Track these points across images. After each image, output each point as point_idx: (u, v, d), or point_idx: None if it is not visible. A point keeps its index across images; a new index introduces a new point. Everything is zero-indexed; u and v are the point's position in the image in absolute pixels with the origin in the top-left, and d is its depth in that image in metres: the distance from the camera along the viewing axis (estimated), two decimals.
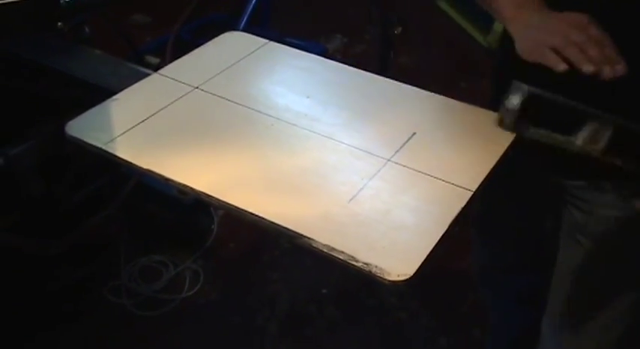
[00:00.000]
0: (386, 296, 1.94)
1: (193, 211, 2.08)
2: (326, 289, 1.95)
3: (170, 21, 2.76)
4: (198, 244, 2.07)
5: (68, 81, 1.33)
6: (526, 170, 1.20)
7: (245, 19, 2.81)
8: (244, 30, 2.77)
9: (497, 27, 2.95)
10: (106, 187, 1.92)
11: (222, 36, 1.27)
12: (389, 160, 0.97)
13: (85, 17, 1.90)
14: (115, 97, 1.09)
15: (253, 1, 2.85)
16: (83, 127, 1.02)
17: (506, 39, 1.18)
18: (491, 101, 1.17)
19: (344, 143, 1.01)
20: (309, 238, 0.84)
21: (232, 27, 2.75)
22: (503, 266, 1.43)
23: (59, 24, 1.00)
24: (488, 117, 1.07)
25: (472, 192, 0.92)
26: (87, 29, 1.89)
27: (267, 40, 1.25)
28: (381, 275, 0.81)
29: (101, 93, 1.14)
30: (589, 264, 1.14)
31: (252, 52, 1.22)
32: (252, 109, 1.06)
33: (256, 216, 0.87)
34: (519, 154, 1.16)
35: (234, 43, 1.25)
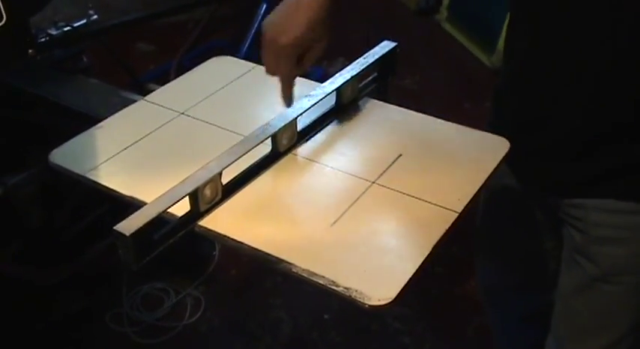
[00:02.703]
0: (389, 321, 1.92)
1: (195, 238, 2.07)
2: (328, 314, 1.93)
3: (173, 49, 2.79)
4: (200, 271, 2.06)
5: (60, 110, 1.33)
6: (522, 189, 1.19)
7: (247, 44, 2.83)
8: (246, 55, 2.79)
9: (502, 46, 2.95)
10: (106, 215, 1.92)
11: (210, 61, 1.27)
12: (373, 183, 0.96)
13: (83, 47, 1.92)
14: (99, 125, 1.09)
15: (255, 27, 2.86)
16: (66, 155, 1.02)
17: (507, 58, 1.17)
18: (490, 123, 1.16)
19: (328, 166, 0.99)
20: (288, 263, 0.83)
21: (234, 53, 2.77)
22: (507, 286, 1.40)
23: (30, 51, 1.00)
24: (478, 137, 1.06)
25: (458, 214, 0.90)
26: (85, 58, 1.91)
27: (255, 64, 1.25)
28: (362, 300, 0.79)
29: (91, 121, 1.14)
30: (589, 286, 1.12)
31: (240, 76, 1.22)
32: (237, 134, 1.05)
33: (237, 241, 0.86)
34: (513, 173, 1.15)
35: (221, 68, 1.25)
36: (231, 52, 2.65)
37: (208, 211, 0.91)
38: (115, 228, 0.80)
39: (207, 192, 0.89)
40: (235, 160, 0.92)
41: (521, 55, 1.07)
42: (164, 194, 0.86)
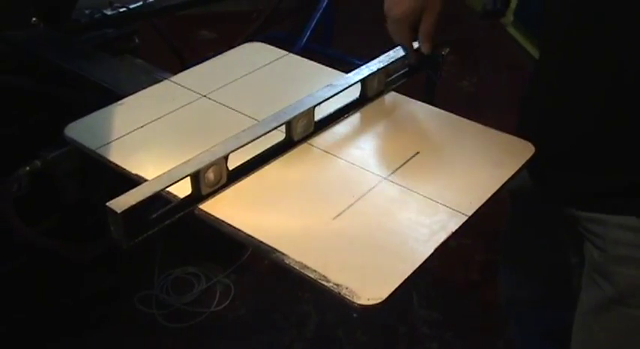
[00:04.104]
0: (418, 325, 1.88)
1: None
2: (357, 313, 1.89)
3: (235, 38, 2.80)
4: (234, 259, 2.05)
5: (92, 86, 1.33)
6: (545, 200, 1.13)
7: (306, 36, 2.81)
8: (305, 47, 2.77)
9: None
10: None
11: (242, 46, 1.26)
12: (385, 179, 0.92)
13: (136, 28, 1.94)
14: (120, 102, 1.09)
15: (315, 20, 2.84)
16: (82, 130, 1.02)
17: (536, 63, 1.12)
18: (517, 128, 1.11)
19: (342, 159, 0.96)
20: (282, 254, 0.80)
21: (293, 44, 2.75)
22: (528, 299, 1.35)
23: (33, 19, 1.00)
24: (502, 140, 1.02)
25: (467, 217, 0.86)
26: (137, 40, 1.93)
27: (286, 52, 1.23)
28: (351, 298, 0.76)
29: (116, 98, 1.13)
30: (606, 307, 1.06)
31: (270, 62, 1.20)
32: (256, 120, 1.04)
33: (233, 227, 0.84)
34: (536, 182, 1.10)
35: (253, 54, 1.23)
36: (289, 44, 2.65)
37: (211, 195, 0.89)
38: (107, 204, 0.79)
39: (211, 175, 0.88)
40: (243, 145, 0.90)
41: (547, 59, 1.02)
42: (164, 173, 0.84)
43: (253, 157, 0.94)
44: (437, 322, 1.88)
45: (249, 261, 2.05)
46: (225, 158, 0.88)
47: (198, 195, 0.87)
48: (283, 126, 0.96)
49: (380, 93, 1.10)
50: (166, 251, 2.01)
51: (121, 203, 0.79)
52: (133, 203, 0.79)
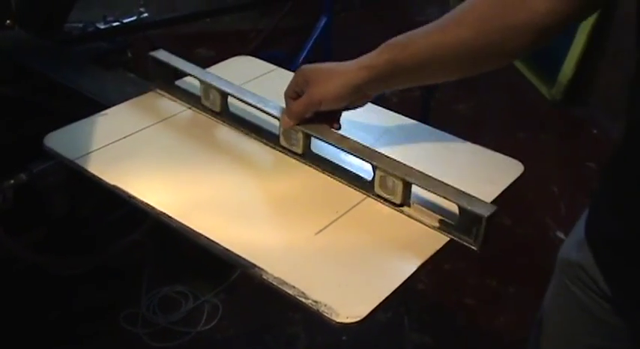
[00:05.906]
0: None
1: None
2: (346, 336, 1.86)
3: (232, 56, 2.78)
4: (223, 278, 2.02)
5: (78, 98, 1.32)
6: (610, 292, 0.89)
7: (302, 56, 2.80)
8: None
9: (562, 79, 2.84)
10: (135, 211, 1.90)
11: (231, 59, 1.25)
12: (369, 195, 0.90)
13: (128, 42, 1.93)
14: (104, 112, 1.07)
15: (312, 40, 2.84)
16: (61, 140, 1.00)
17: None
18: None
19: (328, 173, 0.94)
20: (260, 269, 0.78)
21: (290, 64, 2.74)
22: None
23: (7, 21, 0.99)
24: (490, 158, 1.00)
25: (450, 237, 0.84)
26: (130, 54, 1.92)
27: (276, 67, 1.21)
28: (329, 315, 0.73)
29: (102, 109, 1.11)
30: None
31: (258, 76, 1.18)
32: (240, 130, 1.02)
33: (211, 241, 0.81)
34: (606, 277, 0.88)
35: (242, 67, 1.22)
36: (287, 63, 2.65)
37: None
38: None
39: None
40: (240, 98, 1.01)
41: None
42: None
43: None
44: (428, 346, 1.84)
45: (239, 280, 2.01)
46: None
47: None
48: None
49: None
50: (155, 268, 1.98)
51: None
52: None
